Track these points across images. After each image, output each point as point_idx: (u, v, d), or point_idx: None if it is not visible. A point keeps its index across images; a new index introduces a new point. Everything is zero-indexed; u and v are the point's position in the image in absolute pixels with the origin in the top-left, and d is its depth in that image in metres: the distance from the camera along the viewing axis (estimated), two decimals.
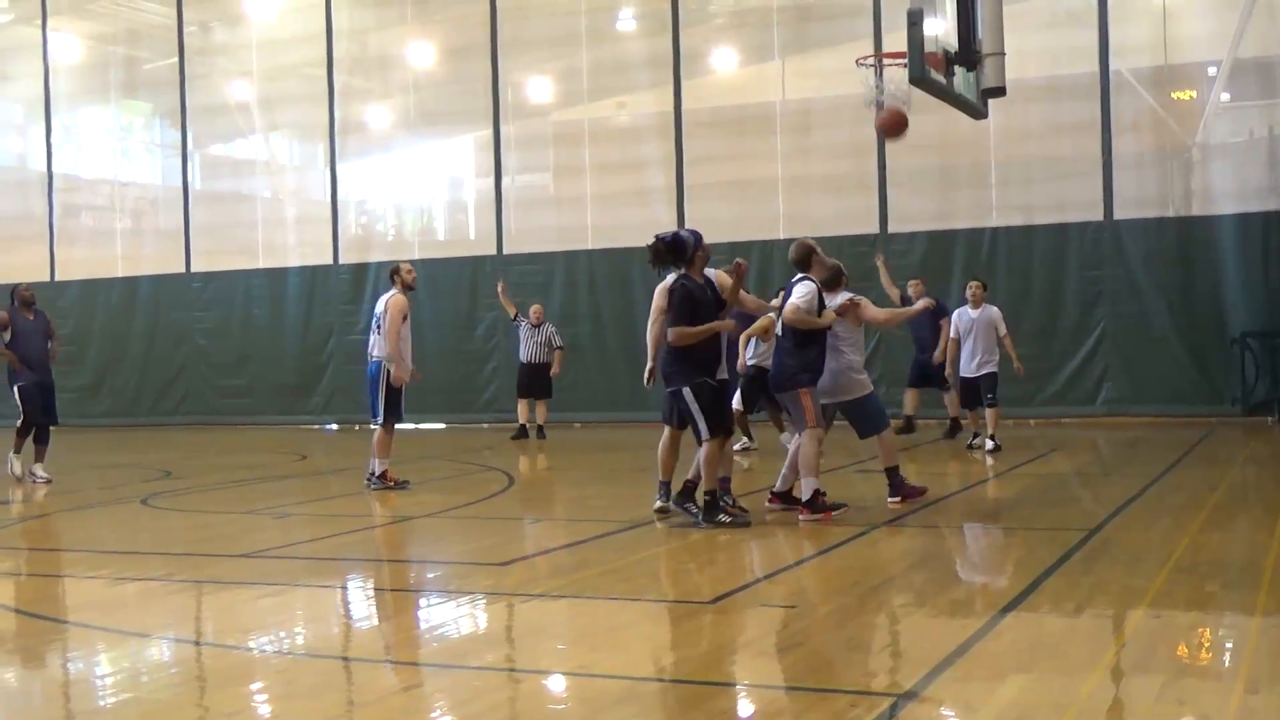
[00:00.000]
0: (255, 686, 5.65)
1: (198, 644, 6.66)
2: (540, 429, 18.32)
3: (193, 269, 24.26)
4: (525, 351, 18.26)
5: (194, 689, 5.73)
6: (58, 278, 25.38)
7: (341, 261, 23.01)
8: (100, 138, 27.19)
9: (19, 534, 10.61)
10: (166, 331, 24.27)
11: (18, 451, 14.22)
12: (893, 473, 10.15)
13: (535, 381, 18.26)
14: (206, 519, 11.32)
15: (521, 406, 18.51)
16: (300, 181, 25.54)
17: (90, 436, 22.55)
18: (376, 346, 12.24)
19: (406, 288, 12.37)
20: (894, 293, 16.06)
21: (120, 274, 24.92)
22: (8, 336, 14.19)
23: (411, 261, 22.05)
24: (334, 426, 22.59)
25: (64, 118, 26.16)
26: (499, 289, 18.84)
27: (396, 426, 12.40)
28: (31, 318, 14.44)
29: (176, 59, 24.35)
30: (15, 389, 14.15)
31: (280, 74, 24.51)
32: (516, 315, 18.37)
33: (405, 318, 12.23)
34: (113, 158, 27.25)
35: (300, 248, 23.76)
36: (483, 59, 22.03)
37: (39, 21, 25.52)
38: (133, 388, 24.58)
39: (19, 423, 14.19)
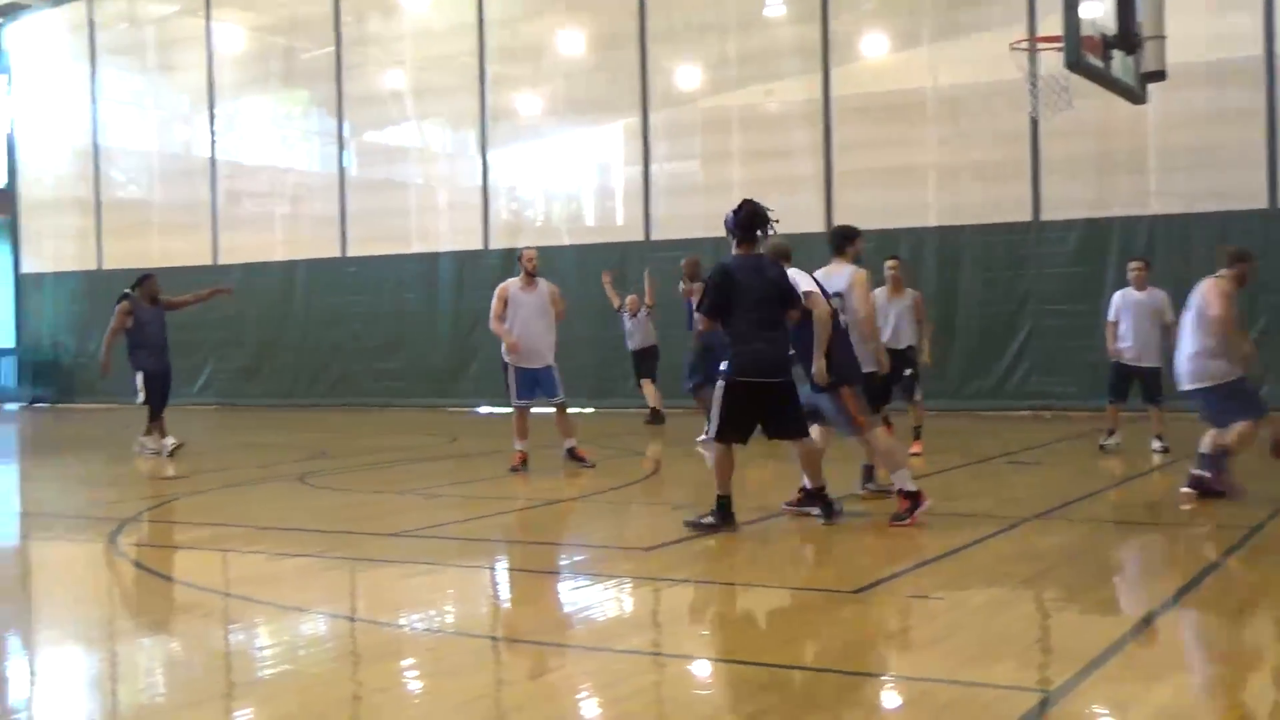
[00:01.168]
0: (406, 663, 5.78)
1: (351, 620, 6.84)
2: (656, 412, 18.54)
3: (348, 254, 24.83)
4: (634, 340, 18.57)
5: (348, 664, 5.88)
6: (220, 262, 26.18)
7: (492, 247, 23.33)
8: (261, 126, 27.93)
9: (182, 509, 10.98)
10: (322, 315, 24.88)
11: (162, 434, 15.02)
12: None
13: (645, 364, 18.66)
14: (360, 498, 11.59)
15: (650, 390, 18.75)
16: (452, 168, 25.92)
17: (248, 416, 23.25)
18: None
19: (526, 273, 12.87)
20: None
21: (279, 259, 25.61)
22: (130, 323, 14.99)
23: (560, 248, 22.41)
24: (484, 409, 22.93)
25: (226, 107, 26.93)
26: (605, 279, 18.85)
27: (531, 409, 12.68)
28: (153, 307, 15.27)
29: (334, 49, 24.91)
30: (138, 374, 15.00)
31: (433, 63, 24.91)
32: (620, 306, 18.55)
33: (504, 301, 12.73)
34: (272, 145, 27.99)
35: (451, 233, 24.15)
36: (632, 47, 22.13)
37: (203, 13, 26.30)
38: (289, 369, 25.27)
39: (142, 403, 15.09)
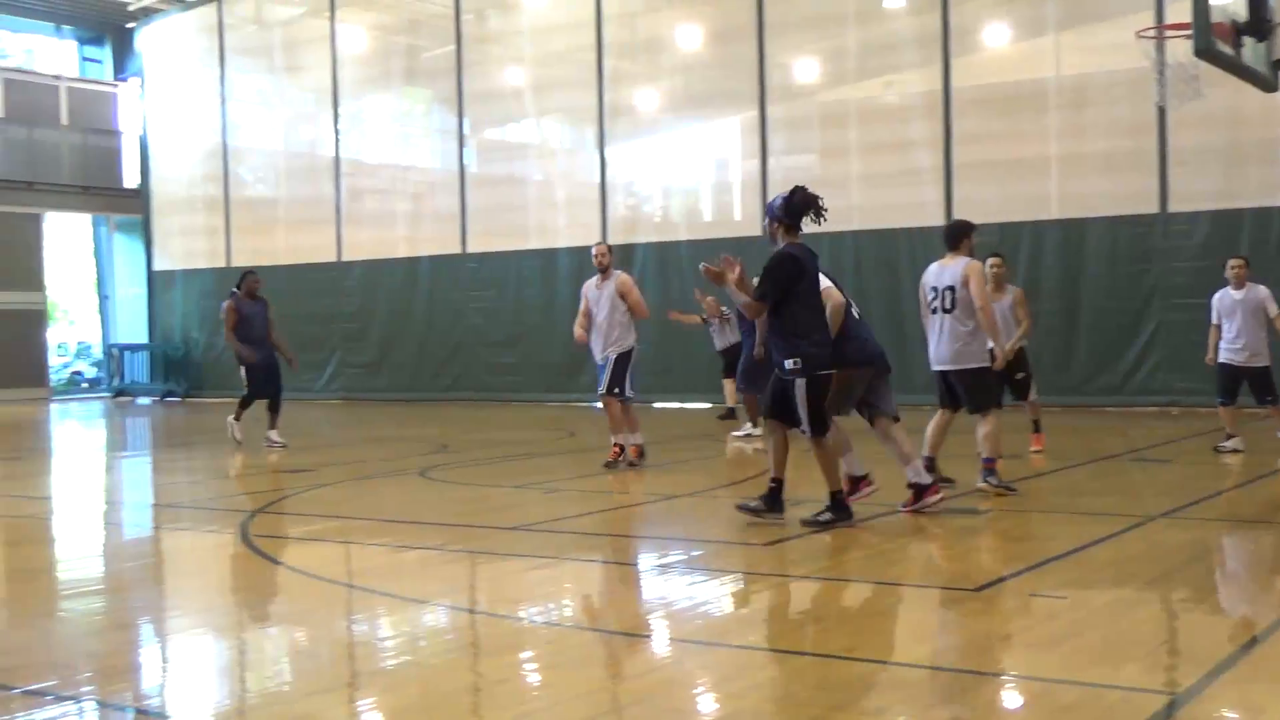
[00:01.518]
0: (524, 655, 5.84)
1: (471, 612, 6.92)
2: (732, 410, 18.45)
3: (468, 250, 25.12)
4: (720, 341, 18.47)
5: (467, 655, 5.96)
6: (344, 258, 26.67)
7: (610, 242, 23.38)
8: (383, 124, 28.40)
9: (308, 502, 11.21)
10: (443, 310, 25.21)
11: (238, 419, 15.80)
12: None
13: (729, 364, 18.63)
14: (479, 492, 11.72)
15: (730, 388, 18.67)
16: (570, 164, 26.08)
17: (372, 410, 23.64)
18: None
19: (598, 269, 13.02)
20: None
21: (401, 255, 26.00)
22: (236, 318, 15.62)
23: (677, 243, 22.44)
24: (601, 405, 23.04)
25: (350, 105, 27.42)
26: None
27: (627, 400, 12.72)
28: (254, 302, 15.82)
29: (454, 47, 25.21)
30: (242, 367, 15.71)
31: (552, 60, 25.09)
32: (706, 319, 18.22)
33: (585, 300, 12.83)
34: (394, 143, 28.44)
35: (570, 229, 24.29)
36: (749, 40, 22.07)
37: (328, 14, 26.79)
38: (411, 364, 25.66)
39: (243, 395, 15.83)
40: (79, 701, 5.15)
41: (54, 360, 33.43)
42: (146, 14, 30.06)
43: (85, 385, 34.49)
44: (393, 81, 27.65)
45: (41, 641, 6.27)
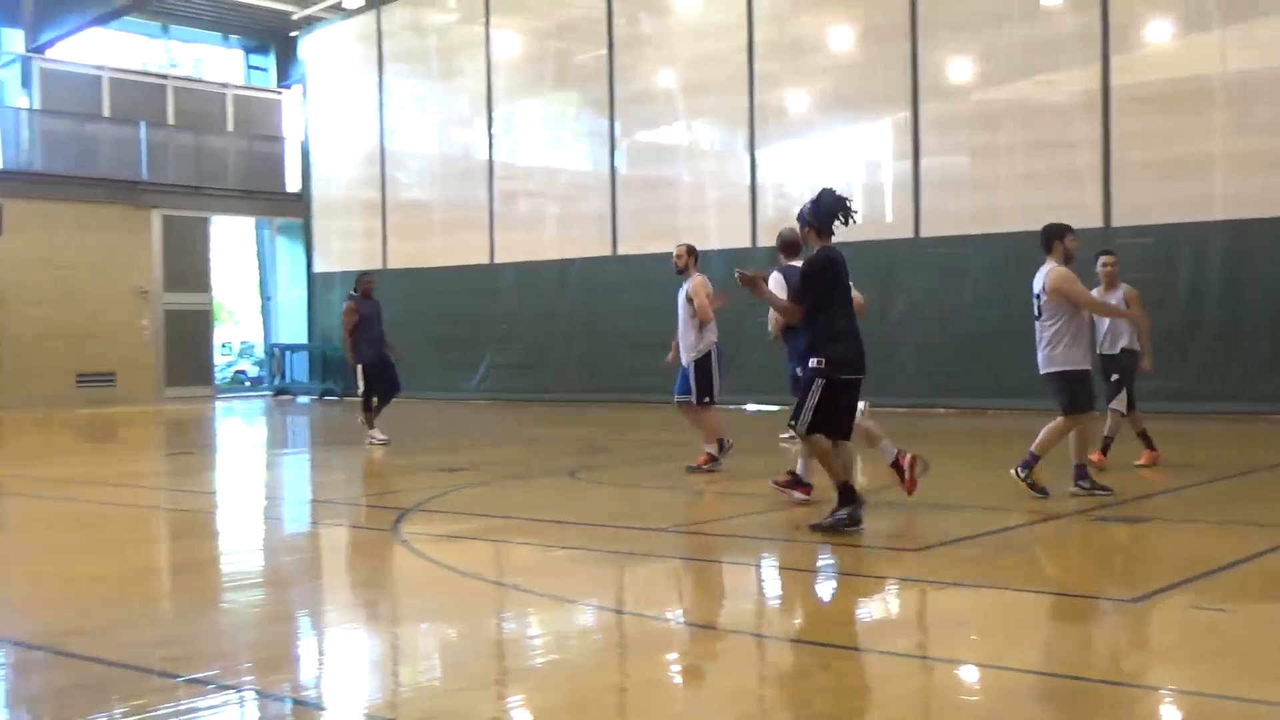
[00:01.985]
0: (672, 657, 5.86)
1: (619, 612, 6.97)
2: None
3: (618, 252, 25.26)
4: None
5: (615, 655, 6.00)
6: (496, 260, 27.04)
7: (760, 245, 23.38)
8: (535, 127, 28.72)
9: (460, 500, 11.39)
10: (593, 312, 25.38)
11: (370, 425, 16.17)
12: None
13: None
14: (629, 493, 11.79)
15: None
16: (720, 166, 26.06)
17: (521, 410, 23.92)
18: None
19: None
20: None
21: (551, 257, 26.26)
22: (354, 320, 16.09)
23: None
24: (752, 407, 23.01)
25: (503, 110, 27.79)
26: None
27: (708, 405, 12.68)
28: (370, 302, 16.30)
29: (605, 51, 25.39)
30: (359, 367, 16.15)
31: (702, 61, 25.09)
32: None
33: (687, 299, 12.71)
34: (545, 146, 28.75)
35: (719, 231, 24.25)
36: (902, 40, 21.81)
37: (483, 20, 27.19)
38: (560, 365, 25.89)
39: (360, 396, 16.30)
40: (239, 691, 5.31)
41: (219, 359, 34.51)
42: (309, 23, 30.87)
43: (248, 384, 35.57)
44: (545, 85, 27.95)
45: (206, 632, 6.48)
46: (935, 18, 21.63)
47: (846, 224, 8.60)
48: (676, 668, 5.70)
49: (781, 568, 8.31)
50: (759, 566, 8.31)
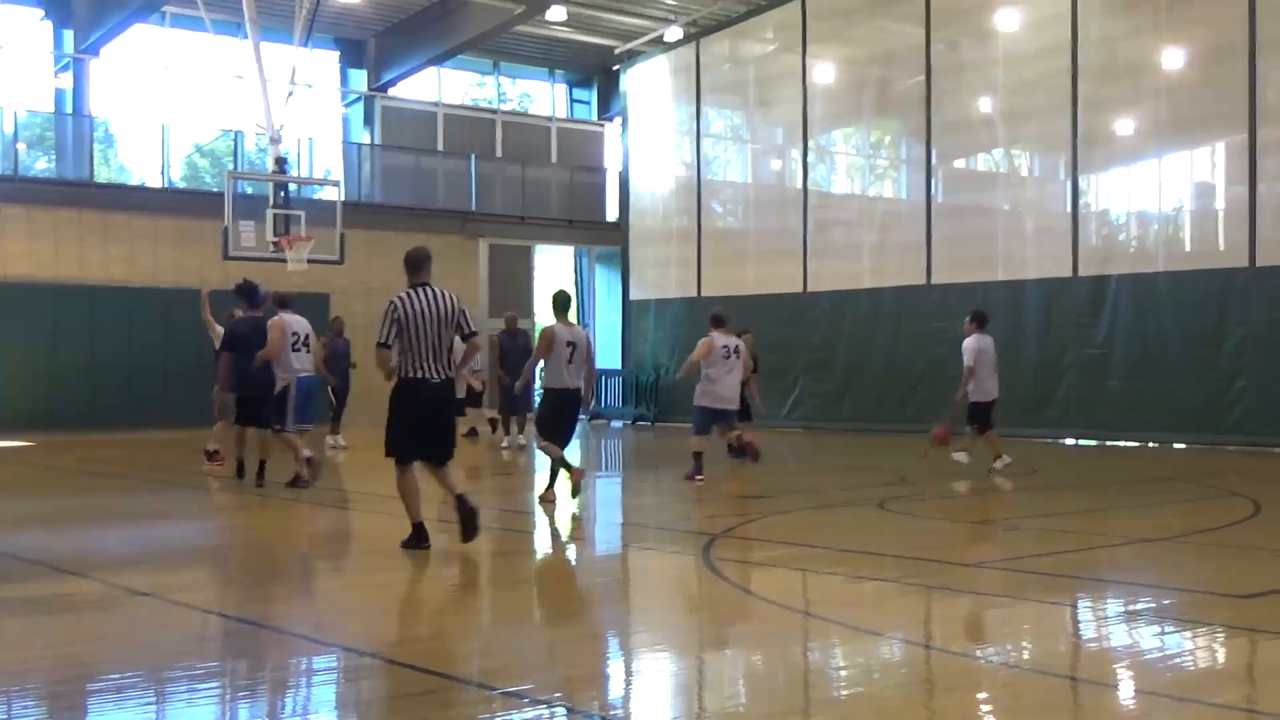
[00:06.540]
0: (981, 696, 5.74)
1: (926, 647, 6.87)
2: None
3: (933, 281, 24.88)
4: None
5: (922, 691, 5.91)
6: (809, 289, 27.04)
7: (1081, 274, 22.62)
8: (849, 156, 28.63)
9: (769, 528, 11.44)
10: (907, 341, 25.05)
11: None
12: None
13: None
14: (938, 525, 11.59)
15: None
16: (1040, 193, 25.34)
17: (834, 439, 23.83)
18: None
19: None
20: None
21: (866, 286, 26.08)
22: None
23: (1153, 274, 21.31)
24: (1070, 441, 22.25)
25: (818, 138, 27.82)
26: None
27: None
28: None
29: (924, 77, 25.09)
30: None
31: (1023, 87, 24.46)
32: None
33: None
34: (861, 175, 28.62)
35: (1038, 260, 23.57)
36: (1239, 60, 20.72)
37: (799, 49, 27.30)
38: (874, 394, 25.65)
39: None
40: (550, 706, 5.50)
41: (538, 384, 35.62)
42: (630, 57, 31.72)
43: None
44: (861, 113, 27.83)
45: (522, 647, 6.74)
46: (1276, 35, 20.45)
47: None
48: (986, 707, 5.58)
49: (1095, 608, 7.99)
50: (1073, 606, 7.99)
